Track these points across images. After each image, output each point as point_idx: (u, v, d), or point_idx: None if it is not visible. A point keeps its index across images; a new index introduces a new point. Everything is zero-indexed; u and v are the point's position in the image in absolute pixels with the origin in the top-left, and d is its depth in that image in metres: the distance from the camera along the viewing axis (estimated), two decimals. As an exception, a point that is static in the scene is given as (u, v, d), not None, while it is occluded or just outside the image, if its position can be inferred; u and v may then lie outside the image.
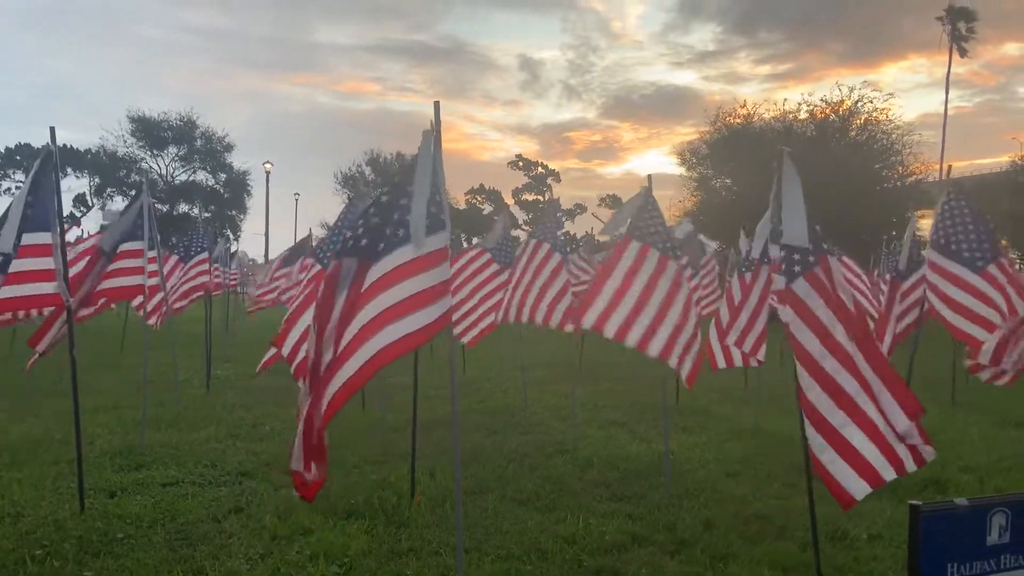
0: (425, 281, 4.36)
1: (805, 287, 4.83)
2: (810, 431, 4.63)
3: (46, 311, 6.98)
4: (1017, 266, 17.89)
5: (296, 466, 4.17)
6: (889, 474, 4.49)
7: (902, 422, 4.55)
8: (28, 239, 6.27)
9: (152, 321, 15.61)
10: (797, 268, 4.85)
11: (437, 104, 4.69)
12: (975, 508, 3.06)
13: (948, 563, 3.00)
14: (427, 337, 4.36)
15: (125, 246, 8.95)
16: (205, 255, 14.50)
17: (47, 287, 6.38)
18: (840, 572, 5.68)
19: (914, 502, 2.99)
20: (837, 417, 4.59)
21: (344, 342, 4.23)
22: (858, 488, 4.47)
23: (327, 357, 4.20)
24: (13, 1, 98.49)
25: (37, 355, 7.63)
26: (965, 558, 3.03)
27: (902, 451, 4.55)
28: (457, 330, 11.18)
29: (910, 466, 4.55)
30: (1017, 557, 3.10)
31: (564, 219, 77.32)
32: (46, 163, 6.47)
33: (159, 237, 10.26)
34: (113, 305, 14.95)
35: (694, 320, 6.93)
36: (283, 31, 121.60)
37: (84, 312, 8.63)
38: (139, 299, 11.50)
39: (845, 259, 11.92)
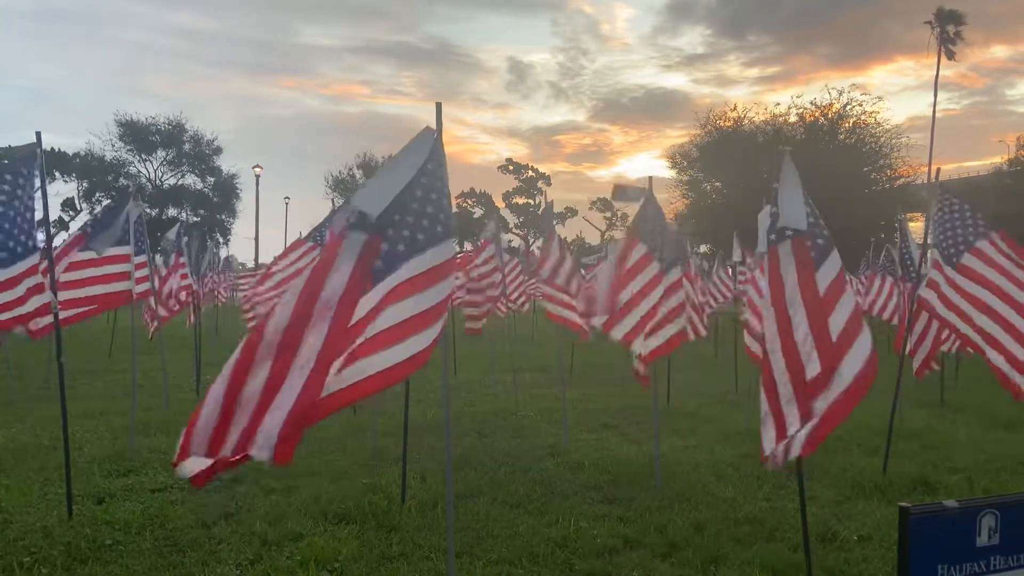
0: (425, 301, 4.03)
1: (788, 249, 4.92)
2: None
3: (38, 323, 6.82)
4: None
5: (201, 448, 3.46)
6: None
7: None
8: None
9: (151, 331, 15.54)
10: (789, 232, 5.00)
11: (439, 106, 4.60)
12: (964, 510, 3.06)
13: (938, 565, 3.00)
14: (415, 367, 3.94)
15: (112, 251, 8.89)
16: (182, 260, 14.39)
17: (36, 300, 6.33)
18: (831, 574, 5.70)
19: (903, 504, 3.00)
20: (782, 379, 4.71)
21: (351, 338, 3.78)
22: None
23: (318, 336, 3.68)
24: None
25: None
26: (955, 560, 3.03)
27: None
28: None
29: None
30: (1007, 558, 3.11)
31: (556, 223, 77.73)
32: (27, 165, 6.36)
33: (148, 242, 10.21)
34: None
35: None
36: (268, 32, 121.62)
37: (71, 314, 8.50)
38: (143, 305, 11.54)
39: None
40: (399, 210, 4.13)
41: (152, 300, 12.65)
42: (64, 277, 8.31)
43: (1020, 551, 3.14)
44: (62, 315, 7.26)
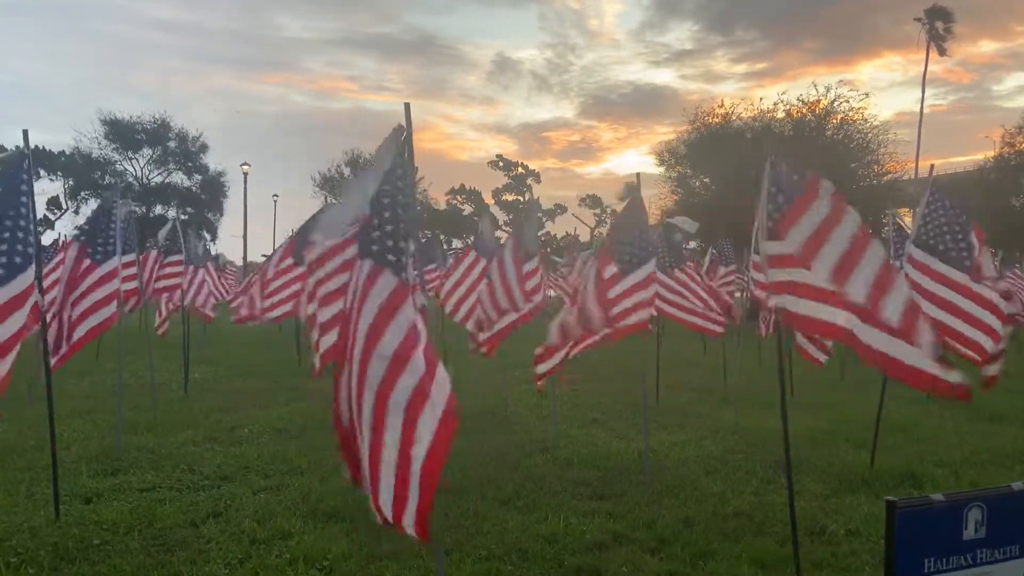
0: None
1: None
2: None
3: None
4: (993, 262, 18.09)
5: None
6: None
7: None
8: None
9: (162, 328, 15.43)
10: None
11: (407, 106, 4.37)
12: (951, 503, 3.08)
13: (925, 558, 3.02)
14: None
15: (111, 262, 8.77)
16: (179, 257, 14.34)
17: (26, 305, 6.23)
18: (818, 567, 5.72)
19: (890, 498, 3.01)
20: None
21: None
22: None
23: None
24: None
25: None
26: (942, 553, 3.05)
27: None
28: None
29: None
30: (993, 551, 3.13)
31: (544, 220, 77.60)
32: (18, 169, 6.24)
33: (136, 240, 10.13)
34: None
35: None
36: (250, 24, 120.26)
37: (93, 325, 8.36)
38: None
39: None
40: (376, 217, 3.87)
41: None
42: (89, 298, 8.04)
43: (1006, 544, 3.16)
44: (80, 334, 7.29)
